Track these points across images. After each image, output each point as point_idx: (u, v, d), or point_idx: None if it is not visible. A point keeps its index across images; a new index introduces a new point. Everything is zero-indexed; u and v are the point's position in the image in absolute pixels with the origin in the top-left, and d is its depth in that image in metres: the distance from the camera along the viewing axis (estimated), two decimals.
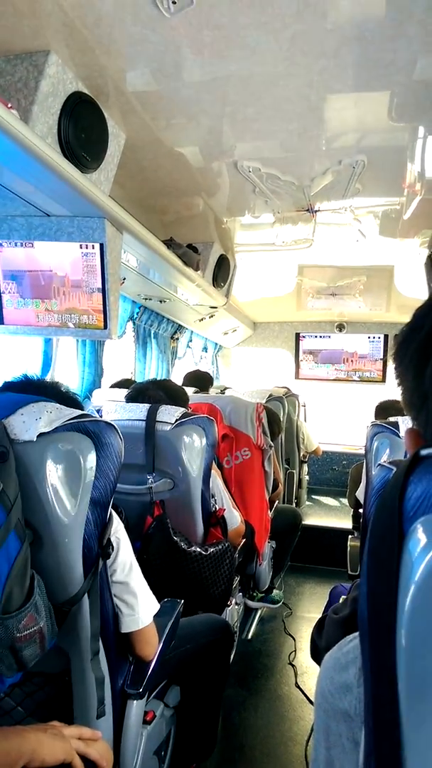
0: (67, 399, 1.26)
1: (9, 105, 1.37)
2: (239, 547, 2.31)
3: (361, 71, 1.59)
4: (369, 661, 0.47)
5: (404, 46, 1.46)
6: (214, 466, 2.08)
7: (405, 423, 1.72)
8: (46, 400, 1.11)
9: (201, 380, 3.59)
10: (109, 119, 1.83)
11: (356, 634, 0.58)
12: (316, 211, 2.74)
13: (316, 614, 3.33)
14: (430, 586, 0.43)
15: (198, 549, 1.84)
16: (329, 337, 5.26)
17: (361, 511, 2.70)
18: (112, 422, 1.15)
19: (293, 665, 2.77)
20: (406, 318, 0.63)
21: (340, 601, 1.21)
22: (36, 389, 1.26)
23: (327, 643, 1.11)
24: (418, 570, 0.43)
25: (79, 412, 1.12)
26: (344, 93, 1.73)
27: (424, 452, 0.51)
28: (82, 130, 1.68)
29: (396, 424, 1.77)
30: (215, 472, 2.11)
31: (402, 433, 1.71)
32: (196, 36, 1.44)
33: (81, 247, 1.93)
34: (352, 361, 5.20)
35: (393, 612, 0.44)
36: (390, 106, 1.79)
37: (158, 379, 2.13)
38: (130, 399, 1.98)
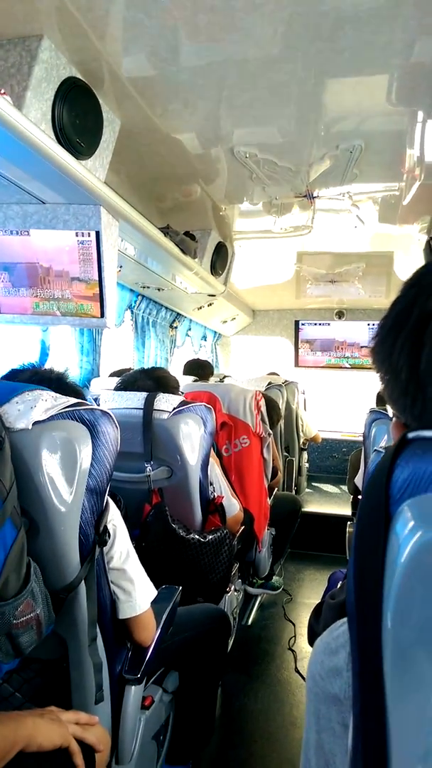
0: (69, 390, 1.29)
1: (2, 91, 1.35)
2: (238, 535, 2.32)
3: (357, 54, 1.57)
4: (356, 643, 0.47)
5: (401, 28, 1.44)
6: (213, 454, 2.08)
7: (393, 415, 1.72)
8: (41, 389, 1.11)
9: (202, 368, 3.59)
10: (103, 105, 1.81)
11: (346, 619, 0.58)
12: (314, 198, 2.72)
13: (315, 600, 3.33)
14: (415, 567, 0.43)
15: (196, 536, 1.85)
16: (329, 324, 5.25)
17: (360, 497, 2.71)
18: (108, 410, 1.15)
19: (293, 650, 2.80)
20: None
21: (338, 586, 1.22)
22: (41, 380, 1.29)
23: (323, 628, 1.11)
24: (404, 552, 0.43)
25: (75, 400, 1.12)
26: (341, 76, 1.70)
27: (411, 435, 0.51)
28: (77, 116, 1.66)
29: None
30: (214, 460, 2.11)
31: None
32: (191, 19, 1.42)
33: (77, 235, 1.91)
34: (341, 348, 5.21)
35: (379, 594, 0.44)
36: (388, 89, 1.76)
37: (147, 368, 2.12)
38: (118, 390, 1.98)
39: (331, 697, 0.56)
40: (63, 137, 1.63)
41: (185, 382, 3.02)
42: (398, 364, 0.57)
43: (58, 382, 1.37)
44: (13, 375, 1.38)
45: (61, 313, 2.05)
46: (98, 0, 1.36)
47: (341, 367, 5.28)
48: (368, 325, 5.11)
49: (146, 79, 1.73)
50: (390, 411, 1.76)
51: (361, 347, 5.15)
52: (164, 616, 1.39)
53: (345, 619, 0.59)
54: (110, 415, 1.14)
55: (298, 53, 1.57)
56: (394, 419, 0.65)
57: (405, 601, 0.43)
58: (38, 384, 1.15)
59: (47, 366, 2.53)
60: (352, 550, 0.50)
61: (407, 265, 3.92)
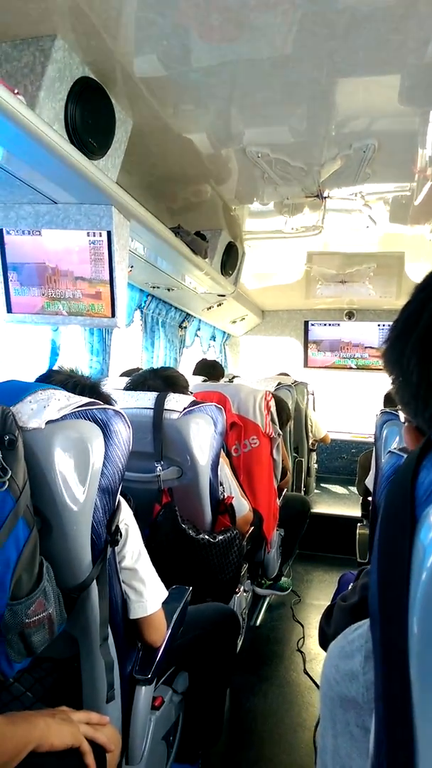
0: (102, 399, 1.28)
1: (15, 91, 1.36)
2: (247, 535, 2.31)
3: (371, 53, 1.56)
4: (380, 648, 0.46)
5: (416, 27, 1.43)
6: (223, 454, 2.07)
7: (404, 419, 1.70)
8: (54, 388, 1.11)
9: (213, 369, 3.59)
10: (116, 105, 1.81)
11: (362, 622, 0.57)
12: (325, 198, 2.71)
13: (324, 602, 3.34)
14: None
15: (206, 536, 1.84)
16: (338, 325, 5.23)
17: (370, 499, 2.69)
18: (120, 410, 1.15)
19: (302, 652, 2.79)
20: None
21: (349, 588, 1.21)
22: (75, 384, 1.30)
23: (335, 630, 1.11)
24: (431, 556, 0.42)
25: (88, 399, 1.12)
26: (354, 76, 1.70)
27: None
28: (89, 116, 1.66)
29: None
30: (223, 460, 2.11)
31: None
32: (204, 19, 1.42)
33: (88, 235, 1.92)
34: (351, 349, 5.19)
35: (405, 599, 0.43)
36: (401, 89, 1.75)
37: (156, 368, 2.12)
38: (128, 389, 1.98)
39: (348, 701, 0.55)
40: (75, 137, 1.63)
41: (195, 382, 3.02)
42: (409, 368, 0.57)
43: (92, 390, 1.36)
44: (50, 375, 1.38)
45: (71, 312, 2.06)
46: (111, 0, 1.36)
47: (350, 368, 5.27)
48: (378, 326, 5.09)
49: (158, 79, 1.73)
50: (402, 414, 1.75)
51: (365, 347, 5.13)
52: (174, 617, 1.39)
53: (360, 623, 0.58)
54: (123, 415, 1.14)
55: (311, 52, 1.56)
56: (406, 423, 0.65)
57: None
58: (72, 389, 1.16)
59: (57, 365, 2.56)
60: (374, 553, 0.49)
61: (418, 265, 3.90)
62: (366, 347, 5.17)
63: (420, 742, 0.42)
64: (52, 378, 1.34)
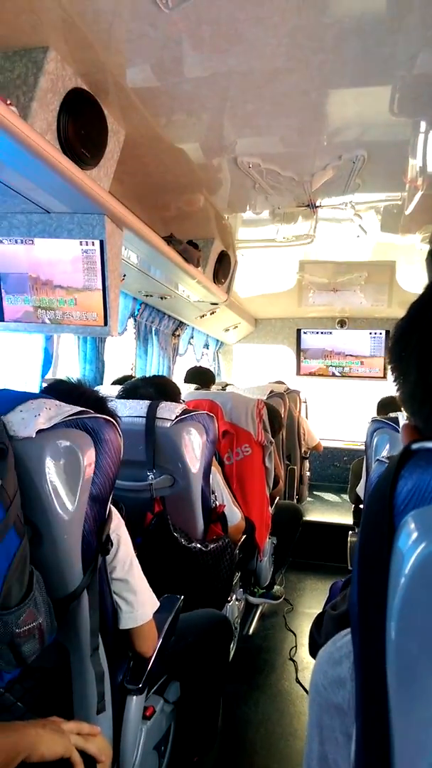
0: (106, 413, 1.24)
1: (8, 102, 1.37)
2: (240, 543, 2.31)
3: (360, 65, 1.58)
4: (359, 653, 0.47)
5: (404, 40, 1.45)
6: (215, 462, 2.08)
7: (405, 418, 1.71)
8: (45, 397, 1.11)
9: (203, 376, 3.59)
10: (108, 116, 1.83)
11: (349, 629, 0.58)
12: (316, 207, 2.74)
13: (317, 610, 3.31)
14: (419, 579, 0.43)
15: (198, 545, 1.84)
16: (330, 333, 5.26)
17: (362, 506, 2.70)
18: (111, 419, 1.15)
19: (294, 661, 2.78)
20: None
21: (339, 596, 1.22)
22: (80, 395, 1.27)
23: (325, 638, 1.11)
24: (408, 563, 0.43)
25: (79, 408, 1.12)
26: (344, 88, 1.72)
27: (415, 446, 0.51)
28: (82, 126, 1.67)
29: (396, 420, 1.76)
30: (215, 469, 2.11)
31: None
32: (195, 31, 1.43)
33: (81, 244, 1.93)
34: (343, 356, 5.23)
35: (383, 605, 0.44)
36: (390, 100, 1.78)
37: (148, 376, 2.12)
38: (120, 398, 1.98)
39: (335, 708, 0.56)
40: (68, 147, 1.64)
41: (186, 389, 3.02)
42: (408, 367, 0.58)
43: (96, 404, 1.28)
44: (55, 386, 1.35)
45: (64, 321, 2.06)
46: (104, 12, 1.37)
47: (343, 376, 5.28)
48: (370, 333, 5.11)
49: (150, 90, 1.75)
50: (401, 419, 1.76)
51: (357, 356, 5.16)
52: (165, 627, 1.39)
53: (348, 630, 0.58)
54: (114, 424, 1.15)
55: (301, 64, 1.58)
56: (405, 421, 0.66)
57: (409, 612, 0.43)
58: (76, 401, 1.15)
59: (50, 374, 2.56)
60: (355, 560, 0.49)
61: (409, 274, 3.93)
62: (357, 355, 5.19)
63: (397, 746, 0.43)
64: (57, 389, 1.32)
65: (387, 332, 5.01)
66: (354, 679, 0.53)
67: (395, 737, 0.43)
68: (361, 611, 0.47)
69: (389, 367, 0.64)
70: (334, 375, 5.30)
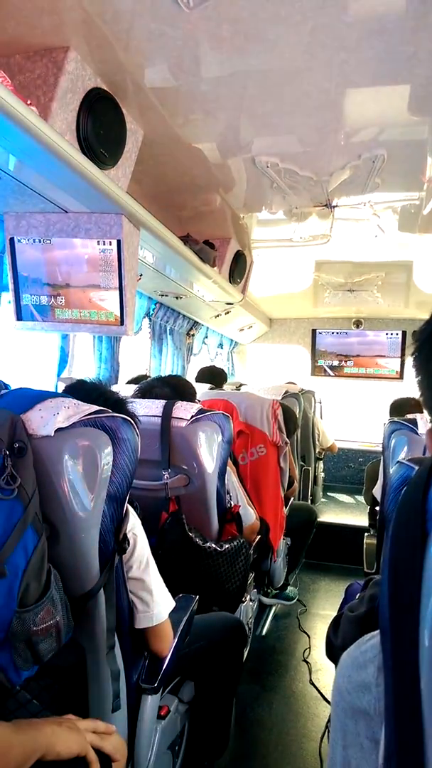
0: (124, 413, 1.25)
1: (28, 102, 1.38)
2: (254, 544, 2.30)
3: (381, 64, 1.57)
4: (391, 660, 0.46)
5: (426, 39, 1.43)
6: (230, 462, 2.07)
7: (424, 420, 1.70)
8: (64, 396, 1.11)
9: (215, 375, 3.59)
10: (127, 115, 1.83)
11: (375, 633, 0.57)
12: (334, 207, 2.72)
13: (330, 612, 3.32)
14: None
15: (213, 545, 1.84)
16: (346, 333, 5.23)
17: (377, 508, 2.68)
18: (129, 418, 1.15)
19: (308, 662, 2.77)
20: (425, 314, 0.61)
21: (356, 598, 1.21)
22: (99, 396, 1.28)
23: (343, 641, 1.10)
24: None
25: (97, 407, 1.12)
26: (364, 87, 1.70)
27: None
28: (101, 126, 1.68)
29: (414, 422, 1.75)
30: (230, 469, 2.10)
31: (421, 430, 1.70)
32: (214, 30, 1.43)
33: (98, 244, 1.93)
34: (359, 357, 5.20)
35: (416, 612, 0.43)
36: (411, 99, 1.76)
37: (164, 376, 2.12)
38: (136, 397, 1.98)
39: (360, 712, 0.55)
40: (87, 147, 1.65)
41: (199, 389, 3.02)
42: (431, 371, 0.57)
43: (116, 405, 1.29)
44: (77, 386, 1.37)
45: (80, 320, 2.07)
46: (123, 12, 1.38)
47: (358, 376, 5.26)
48: (387, 334, 5.08)
49: (169, 90, 1.75)
50: (419, 421, 1.74)
51: (373, 356, 5.12)
52: (181, 626, 1.39)
53: (372, 634, 0.58)
54: (131, 423, 1.15)
55: (322, 63, 1.57)
56: (429, 425, 0.65)
57: None
58: (95, 402, 1.16)
59: (66, 372, 2.57)
60: (385, 566, 0.49)
61: (427, 274, 3.89)
62: (373, 356, 5.16)
63: (430, 753, 0.42)
64: (79, 388, 1.33)
65: (404, 333, 4.97)
66: (379, 684, 0.53)
67: (428, 743, 0.42)
68: (392, 618, 0.46)
69: (414, 371, 0.62)
70: (349, 376, 5.27)
